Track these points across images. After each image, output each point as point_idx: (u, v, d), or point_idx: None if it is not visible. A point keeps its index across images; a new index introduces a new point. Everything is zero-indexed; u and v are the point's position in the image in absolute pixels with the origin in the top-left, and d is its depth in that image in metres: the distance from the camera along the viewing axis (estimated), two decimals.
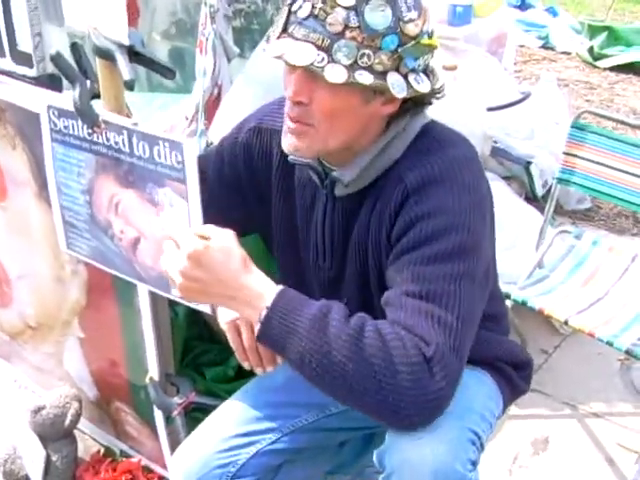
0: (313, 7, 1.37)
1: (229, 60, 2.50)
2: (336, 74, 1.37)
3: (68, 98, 1.69)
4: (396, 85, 1.40)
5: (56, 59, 1.66)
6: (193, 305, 1.72)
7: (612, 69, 6.01)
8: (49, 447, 2.21)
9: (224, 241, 1.41)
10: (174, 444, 2.01)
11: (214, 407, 1.81)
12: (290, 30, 1.40)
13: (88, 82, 1.68)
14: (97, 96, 1.70)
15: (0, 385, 2.62)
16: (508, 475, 2.37)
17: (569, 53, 6.37)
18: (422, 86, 1.43)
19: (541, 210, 3.20)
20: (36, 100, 1.80)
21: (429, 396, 1.33)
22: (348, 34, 1.36)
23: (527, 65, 6.07)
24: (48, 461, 2.20)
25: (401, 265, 1.44)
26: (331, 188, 1.59)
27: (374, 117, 1.47)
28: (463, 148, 1.53)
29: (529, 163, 3.63)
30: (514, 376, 1.72)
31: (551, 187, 2.88)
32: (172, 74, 1.66)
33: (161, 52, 3.29)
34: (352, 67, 1.37)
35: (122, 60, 1.58)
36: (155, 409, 2.00)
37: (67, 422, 2.21)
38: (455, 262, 1.41)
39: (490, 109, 3.48)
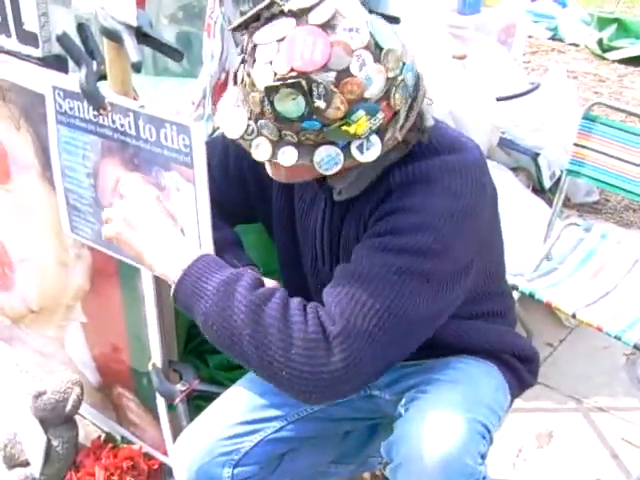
0: (243, 77, 1.35)
1: (237, 44, 2.47)
2: (260, 150, 1.35)
3: (74, 79, 1.67)
4: (324, 162, 1.33)
5: (62, 39, 1.63)
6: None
7: (621, 61, 5.96)
8: (50, 432, 2.20)
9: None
10: (176, 431, 2.00)
11: (217, 395, 1.80)
12: (238, 80, 1.38)
13: (95, 63, 1.65)
14: (104, 77, 1.67)
15: (1, 369, 2.61)
16: (512, 469, 2.35)
17: (578, 45, 6.32)
18: (368, 154, 1.34)
19: (548, 202, 3.19)
20: (41, 81, 1.78)
21: (323, 374, 1.32)
22: (267, 115, 1.32)
23: (536, 56, 6.03)
24: (49, 446, 2.18)
25: (361, 246, 1.43)
26: (329, 193, 1.56)
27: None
28: (462, 153, 1.47)
29: (537, 154, 3.61)
30: (521, 369, 1.71)
31: (559, 179, 2.85)
32: (180, 56, 1.63)
33: (168, 36, 3.26)
34: (279, 143, 1.33)
35: (130, 41, 1.55)
36: (157, 396, 1.98)
37: (68, 407, 2.19)
38: (409, 259, 1.36)
39: (499, 99, 3.46)
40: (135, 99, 1.68)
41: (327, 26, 1.28)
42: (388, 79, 1.31)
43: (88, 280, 2.06)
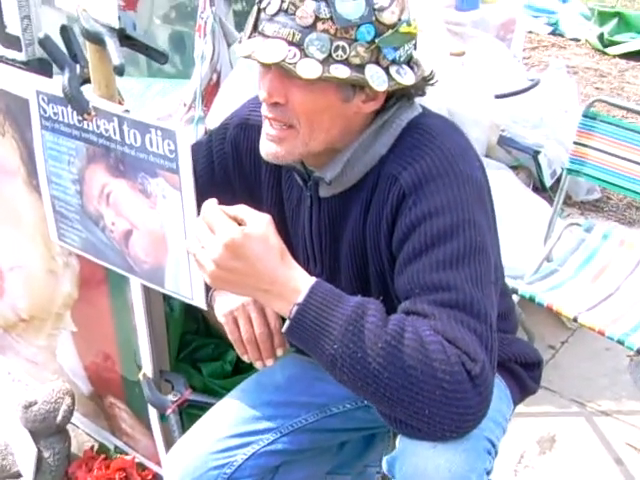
0: (282, 2, 1.31)
1: (229, 45, 2.44)
2: (309, 69, 1.29)
3: (58, 83, 1.62)
4: (375, 78, 1.33)
5: (44, 42, 1.59)
6: (187, 301, 1.65)
7: (622, 56, 5.92)
8: (40, 443, 2.16)
9: (262, 229, 1.29)
10: (169, 441, 1.98)
11: (210, 404, 1.76)
12: (260, 28, 1.34)
13: (78, 67, 1.62)
14: (88, 81, 1.64)
15: None
16: (513, 475, 2.31)
17: (579, 40, 6.28)
18: (405, 78, 1.36)
19: (549, 200, 3.15)
20: (25, 85, 1.73)
21: (469, 414, 1.27)
22: (320, 26, 1.29)
23: (536, 52, 5.99)
24: (39, 458, 2.15)
25: (416, 273, 1.34)
26: (315, 189, 1.51)
27: (356, 115, 1.40)
28: (455, 137, 1.45)
29: (537, 152, 3.56)
30: (524, 376, 1.67)
31: (560, 177, 2.81)
32: (164, 58, 1.59)
33: (161, 36, 3.23)
34: (327, 61, 1.30)
35: (112, 44, 1.51)
36: (149, 407, 1.94)
37: (59, 418, 2.15)
38: (471, 262, 1.33)
39: (498, 96, 3.42)
40: (121, 103, 1.64)
41: None
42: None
43: (77, 288, 2.02)
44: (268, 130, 1.42)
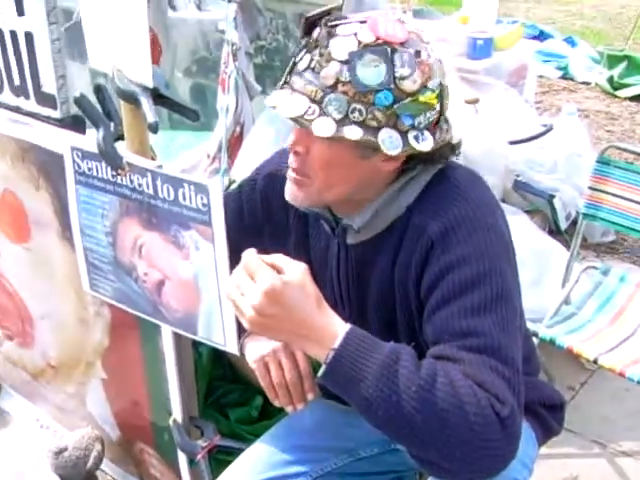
0: (311, 60, 1.37)
1: (251, 98, 2.51)
2: (323, 128, 1.35)
3: (92, 139, 1.69)
4: (388, 142, 1.37)
5: (80, 101, 1.65)
6: (220, 347, 1.70)
7: (632, 99, 5.98)
8: None
9: (300, 276, 1.33)
10: None
11: (239, 450, 1.79)
12: (290, 81, 1.41)
13: (112, 124, 1.68)
14: (121, 137, 1.70)
15: (22, 425, 2.61)
16: None
17: (589, 83, 6.35)
18: (422, 144, 1.39)
19: (565, 243, 3.18)
20: (60, 141, 1.80)
21: (499, 455, 1.30)
22: (340, 88, 1.35)
23: (547, 96, 6.06)
24: None
25: (445, 320, 1.39)
26: (343, 236, 1.57)
27: (375, 172, 1.44)
28: (478, 187, 1.50)
29: (552, 196, 3.61)
30: (548, 418, 1.70)
31: (575, 220, 2.85)
32: (196, 116, 1.65)
33: (183, 89, 3.32)
34: (343, 121, 1.35)
35: (146, 103, 1.57)
36: (179, 452, 1.97)
37: (89, 464, 2.18)
38: (498, 309, 1.37)
39: (512, 142, 3.47)
40: (153, 158, 1.70)
41: (400, 21, 1.40)
42: (441, 80, 1.42)
43: (107, 336, 2.07)
44: (290, 173, 1.48)
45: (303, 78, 1.38)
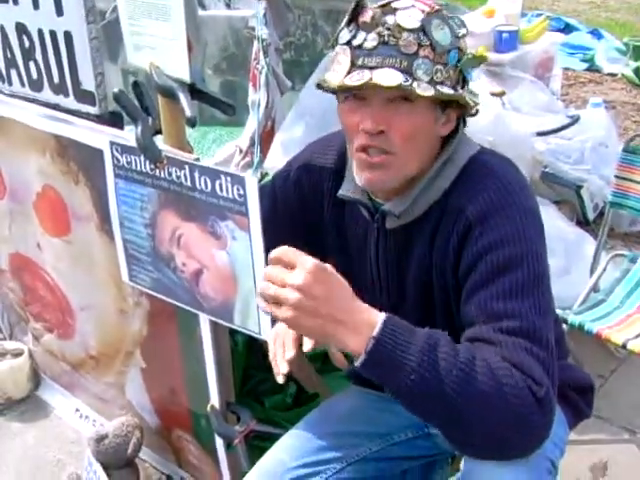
0: (380, 36, 1.43)
1: (282, 93, 2.55)
2: (425, 89, 1.42)
3: (130, 135, 1.74)
4: (467, 96, 1.49)
5: (119, 97, 1.70)
6: (254, 335, 1.75)
7: None
8: (113, 476, 2.24)
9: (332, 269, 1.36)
10: (235, 472, 2.04)
11: (275, 435, 1.83)
12: (360, 63, 1.44)
13: (149, 119, 1.73)
14: (158, 132, 1.75)
15: (62, 414, 2.67)
16: None
17: (615, 75, 6.32)
18: (477, 97, 1.52)
19: (593, 233, 3.19)
20: (99, 137, 1.86)
21: (535, 434, 1.34)
22: (421, 53, 1.43)
23: (573, 88, 6.05)
24: None
25: (483, 301, 1.42)
26: (382, 222, 1.60)
27: (435, 139, 1.52)
28: (514, 173, 1.54)
29: (580, 187, 3.62)
30: (578, 400, 1.73)
31: (603, 210, 2.87)
32: (232, 110, 1.70)
33: (213, 85, 3.37)
34: (431, 82, 1.43)
35: (184, 98, 1.63)
36: (216, 437, 2.02)
37: (129, 450, 2.24)
38: (534, 292, 1.41)
39: (539, 134, 3.49)
40: (190, 152, 1.75)
41: None
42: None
43: (146, 326, 2.12)
44: (367, 158, 1.50)
45: (376, 55, 1.44)
